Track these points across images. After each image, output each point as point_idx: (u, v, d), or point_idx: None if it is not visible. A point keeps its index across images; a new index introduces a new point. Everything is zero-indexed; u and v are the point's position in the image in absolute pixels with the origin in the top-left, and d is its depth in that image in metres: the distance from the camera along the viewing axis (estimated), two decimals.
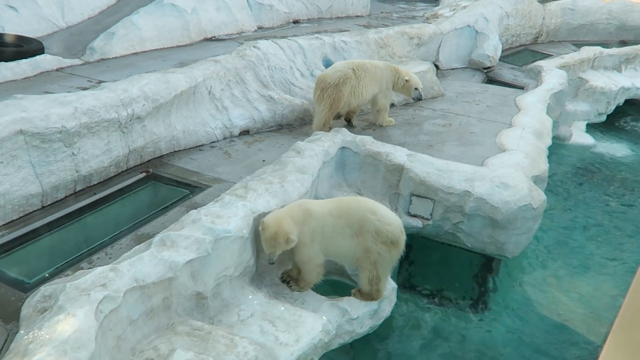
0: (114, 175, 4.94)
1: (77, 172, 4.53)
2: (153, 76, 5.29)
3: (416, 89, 6.35)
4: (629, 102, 10.19)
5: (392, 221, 3.92)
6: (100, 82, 5.29)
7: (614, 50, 10.32)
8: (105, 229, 4.22)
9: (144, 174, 5.05)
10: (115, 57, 6.36)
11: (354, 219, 3.88)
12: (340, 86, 5.77)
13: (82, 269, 3.53)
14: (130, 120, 4.90)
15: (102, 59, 6.24)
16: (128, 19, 6.65)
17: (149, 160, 5.28)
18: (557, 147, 8.32)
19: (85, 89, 5.01)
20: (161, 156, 5.40)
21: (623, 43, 11.83)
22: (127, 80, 5.15)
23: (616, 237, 6.63)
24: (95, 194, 4.64)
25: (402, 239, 3.96)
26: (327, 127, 5.96)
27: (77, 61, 6.03)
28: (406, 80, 6.28)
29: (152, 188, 4.95)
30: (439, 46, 8.95)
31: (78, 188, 4.63)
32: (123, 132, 4.88)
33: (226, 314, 3.54)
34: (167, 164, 5.29)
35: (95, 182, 4.77)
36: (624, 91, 9.86)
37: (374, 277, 3.94)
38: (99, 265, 3.16)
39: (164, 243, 3.32)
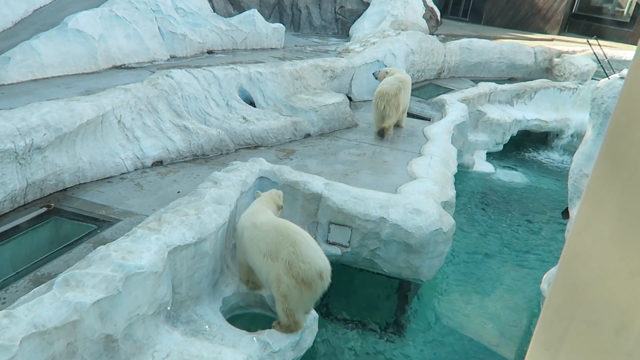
0: (10, 211, 4.51)
1: None
2: (55, 104, 4.97)
3: None
4: (521, 133, 11.19)
5: (310, 261, 3.76)
6: None
7: (506, 86, 11.34)
8: None
9: (44, 209, 4.66)
10: (12, 84, 5.90)
11: (272, 239, 3.88)
12: (398, 95, 7.30)
13: None
14: (29, 151, 4.54)
15: None
16: (27, 43, 6.22)
17: (50, 194, 4.89)
18: (462, 175, 8.90)
19: None
20: (65, 189, 5.03)
21: (513, 80, 13.06)
22: (26, 107, 4.78)
23: (517, 256, 7.16)
24: None
25: (319, 283, 3.78)
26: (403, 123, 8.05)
27: None
28: None
29: (54, 224, 4.58)
30: (352, 79, 9.31)
31: None
32: (20, 163, 4.49)
33: (139, 356, 3.31)
34: (72, 198, 4.93)
35: None
36: (516, 123, 10.82)
37: (287, 308, 3.88)
38: None
39: (68, 283, 3.06)
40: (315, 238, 5.18)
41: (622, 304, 1.01)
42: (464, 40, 12.98)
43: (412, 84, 10.88)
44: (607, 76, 6.27)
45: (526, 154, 11.49)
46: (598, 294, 1.04)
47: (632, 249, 0.97)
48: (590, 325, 1.06)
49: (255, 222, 4.07)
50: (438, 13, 14.11)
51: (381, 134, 7.56)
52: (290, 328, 3.93)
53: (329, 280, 3.87)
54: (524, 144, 11.63)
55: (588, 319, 1.07)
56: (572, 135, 11.38)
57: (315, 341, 4.27)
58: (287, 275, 3.75)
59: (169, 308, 3.69)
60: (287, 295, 3.81)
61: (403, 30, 11.52)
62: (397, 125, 7.92)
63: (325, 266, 3.85)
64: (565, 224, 5.62)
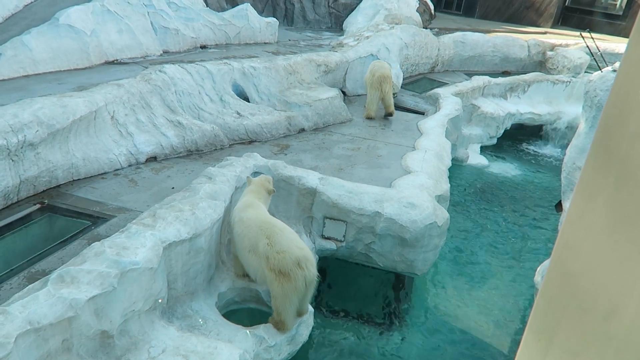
0: (3, 208, 4.48)
1: None
2: (48, 100, 4.93)
3: None
4: (514, 127, 11.23)
5: (285, 250, 3.68)
6: None
7: (500, 80, 11.35)
8: None
9: (38, 206, 4.63)
10: (3, 80, 5.85)
11: (253, 234, 3.90)
12: (391, 76, 8.15)
13: None
14: (22, 148, 4.51)
15: None
16: (18, 39, 6.17)
17: (44, 191, 4.86)
18: (456, 168, 8.92)
19: None
20: (58, 186, 5.00)
21: (507, 73, 13.08)
22: (18, 104, 4.74)
23: (511, 248, 7.20)
24: None
25: (298, 273, 3.64)
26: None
27: None
28: None
29: (47, 221, 4.56)
30: (345, 73, 9.29)
31: None
32: (13, 160, 4.46)
33: (135, 352, 3.31)
34: (66, 194, 4.91)
35: None
36: (510, 116, 10.85)
37: (274, 305, 3.87)
38: None
39: (63, 279, 3.05)
40: (310, 233, 5.20)
41: (610, 291, 1.03)
42: (458, 34, 12.98)
43: (406, 77, 10.97)
44: (600, 69, 6.30)
45: (520, 148, 11.53)
46: (589, 282, 1.06)
47: (623, 238, 0.99)
48: (581, 312, 1.09)
49: (242, 217, 4.10)
50: (432, 7, 14.09)
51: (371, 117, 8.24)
52: (277, 325, 3.93)
53: (312, 270, 3.72)
54: (518, 137, 11.67)
55: (579, 306, 1.09)
56: (565, 129, 11.42)
57: (311, 335, 4.28)
58: (267, 269, 3.74)
59: (160, 302, 3.69)
60: (272, 289, 3.82)
61: (397, 24, 11.50)
62: (390, 114, 8.29)
63: (304, 255, 3.71)
64: (559, 217, 5.65)
